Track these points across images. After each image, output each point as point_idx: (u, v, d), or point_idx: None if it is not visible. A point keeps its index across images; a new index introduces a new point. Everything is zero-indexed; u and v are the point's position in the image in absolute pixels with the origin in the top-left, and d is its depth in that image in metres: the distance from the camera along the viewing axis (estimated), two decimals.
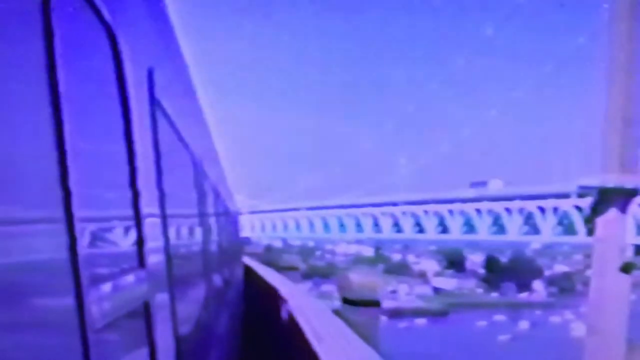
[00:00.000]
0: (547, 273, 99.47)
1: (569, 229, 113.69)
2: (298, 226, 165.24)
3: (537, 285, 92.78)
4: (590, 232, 39.82)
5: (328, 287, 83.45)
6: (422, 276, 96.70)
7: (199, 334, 4.74)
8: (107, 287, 1.90)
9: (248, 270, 17.18)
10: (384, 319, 60.87)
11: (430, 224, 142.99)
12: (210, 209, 7.01)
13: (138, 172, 2.41)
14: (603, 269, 36.89)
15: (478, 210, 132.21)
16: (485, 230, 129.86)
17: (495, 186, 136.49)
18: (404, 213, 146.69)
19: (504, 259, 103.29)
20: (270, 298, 11.75)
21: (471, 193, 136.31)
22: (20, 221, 1.34)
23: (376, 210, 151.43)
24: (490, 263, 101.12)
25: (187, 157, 4.76)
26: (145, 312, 2.48)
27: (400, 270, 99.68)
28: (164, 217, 2.99)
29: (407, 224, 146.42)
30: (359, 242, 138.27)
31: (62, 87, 1.50)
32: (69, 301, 1.52)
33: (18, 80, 1.36)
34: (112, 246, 2.29)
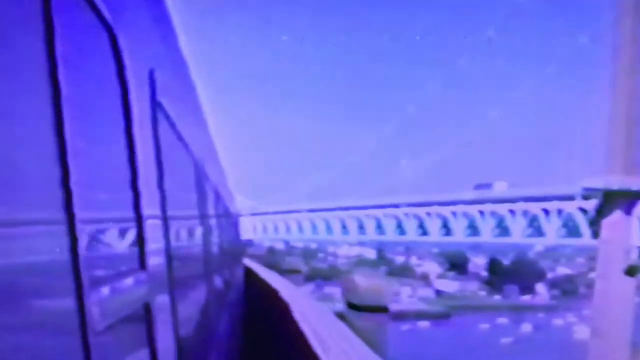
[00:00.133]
0: (550, 276, 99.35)
1: (574, 232, 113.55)
2: (300, 228, 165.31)
3: (540, 288, 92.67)
4: (596, 234, 39.76)
5: (331, 290, 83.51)
6: (425, 279, 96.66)
7: (199, 336, 4.74)
8: (108, 289, 1.90)
9: (250, 273, 17.13)
10: (390, 324, 61.06)
11: (434, 227, 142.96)
12: (211, 210, 7.01)
13: (139, 173, 2.41)
14: (608, 271, 36.84)
15: (482, 213, 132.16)
16: (489, 232, 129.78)
17: (501, 188, 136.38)
18: (407, 215, 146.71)
19: (506, 262, 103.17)
20: (273, 301, 11.72)
21: (475, 195, 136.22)
22: (22, 223, 1.34)
23: (379, 213, 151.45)
24: (493, 266, 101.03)
25: (188, 159, 4.76)
26: (146, 314, 2.48)
27: (402, 272, 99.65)
28: (165, 219, 2.99)
29: (411, 227, 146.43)
30: (361, 244, 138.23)
31: (63, 89, 1.50)
32: (70, 303, 1.52)
33: (20, 81, 1.36)
34: (113, 248, 2.29)
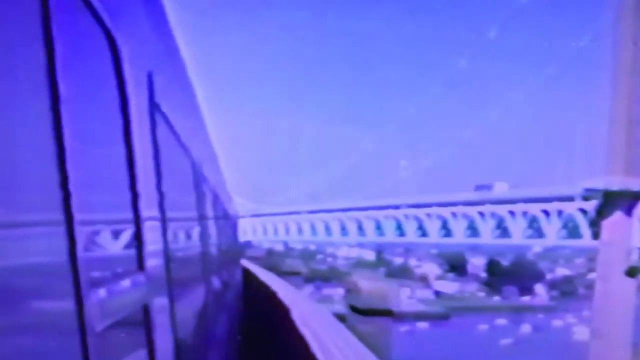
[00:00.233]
0: (548, 276, 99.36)
1: (574, 232, 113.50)
2: (300, 230, 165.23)
3: (539, 288, 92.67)
4: (596, 235, 39.68)
5: (329, 291, 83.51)
6: (424, 280, 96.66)
7: (197, 337, 4.74)
8: (106, 290, 1.91)
9: (249, 276, 17.08)
10: (394, 327, 60.81)
11: (433, 227, 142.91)
12: (209, 212, 7.02)
13: (137, 175, 2.42)
14: (608, 272, 36.74)
15: (481, 214, 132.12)
16: (489, 233, 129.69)
17: (501, 189, 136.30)
18: (406, 216, 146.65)
19: (505, 263, 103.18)
20: (271, 303, 11.69)
21: (474, 196, 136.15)
22: (20, 224, 1.34)
23: (378, 214, 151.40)
24: (492, 266, 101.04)
25: (186, 161, 4.77)
26: (145, 315, 2.49)
27: (401, 273, 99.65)
28: (163, 221, 3.00)
29: (410, 228, 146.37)
30: (360, 245, 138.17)
31: (62, 91, 1.50)
32: (69, 304, 1.53)
33: (19, 84, 1.37)
34: (112, 249, 2.30)
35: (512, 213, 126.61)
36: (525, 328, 70.91)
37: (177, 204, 3.89)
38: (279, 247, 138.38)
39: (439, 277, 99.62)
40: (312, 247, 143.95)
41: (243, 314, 14.71)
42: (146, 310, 2.50)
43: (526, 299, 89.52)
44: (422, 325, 73.88)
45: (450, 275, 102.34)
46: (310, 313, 9.81)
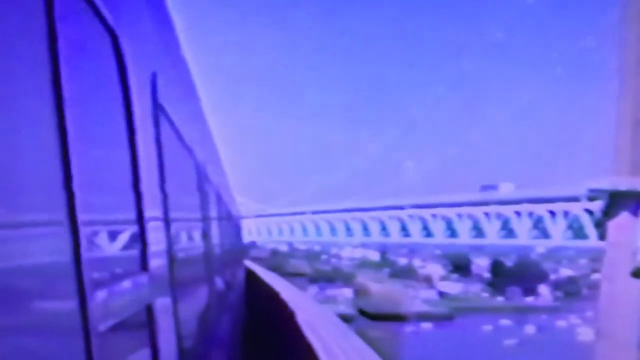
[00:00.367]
0: (552, 277, 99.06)
1: (579, 233, 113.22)
2: (304, 230, 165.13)
3: (543, 289, 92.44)
4: (602, 235, 39.53)
5: (334, 292, 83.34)
6: (428, 280, 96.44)
7: (201, 338, 4.75)
8: (110, 290, 1.92)
9: (253, 276, 17.03)
10: (401, 331, 60.48)
11: (438, 228, 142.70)
12: (212, 213, 7.02)
13: (141, 176, 2.43)
14: (614, 273, 36.57)
15: (487, 214, 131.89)
16: (494, 234, 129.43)
17: (506, 190, 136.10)
18: (411, 217, 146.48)
19: (509, 263, 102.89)
20: (275, 304, 11.65)
21: (480, 196, 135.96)
22: (24, 224, 1.34)
23: (383, 214, 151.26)
24: (496, 267, 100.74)
25: (189, 161, 4.78)
26: (148, 315, 2.50)
27: (405, 274, 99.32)
28: (166, 221, 3.01)
29: (415, 228, 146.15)
30: (364, 246, 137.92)
31: (65, 92, 1.51)
32: (72, 304, 1.53)
33: (22, 84, 1.37)
34: (115, 249, 2.31)
35: (517, 214, 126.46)
36: (529, 329, 70.66)
37: (180, 204, 3.90)
38: (284, 248, 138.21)
39: (443, 278, 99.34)
40: (317, 247, 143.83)
41: (246, 315, 14.70)
42: (149, 311, 2.51)
43: (530, 299, 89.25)
44: (426, 325, 73.75)
45: (454, 275, 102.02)
46: (313, 314, 9.73)
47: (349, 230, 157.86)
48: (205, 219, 5.97)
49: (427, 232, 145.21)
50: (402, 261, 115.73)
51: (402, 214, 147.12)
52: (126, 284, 2.21)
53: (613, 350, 35.39)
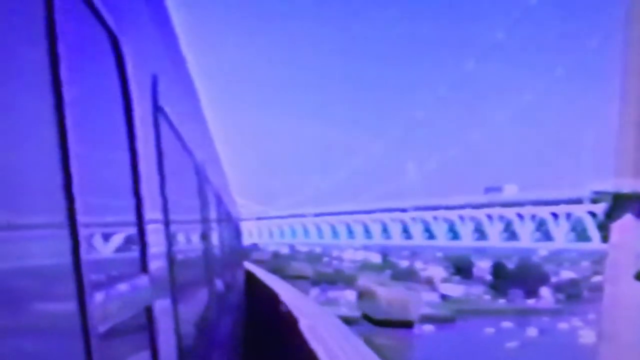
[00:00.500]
0: (554, 279, 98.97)
1: (582, 235, 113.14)
2: (306, 232, 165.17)
3: (545, 291, 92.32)
4: (605, 238, 39.45)
5: (335, 294, 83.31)
6: (430, 283, 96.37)
7: (201, 340, 4.75)
8: (109, 292, 1.92)
9: (255, 280, 16.98)
10: (408, 337, 59.62)
11: (440, 230, 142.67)
12: (212, 215, 7.03)
13: (141, 178, 2.43)
14: (617, 275, 36.48)
15: (489, 216, 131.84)
16: (497, 236, 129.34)
17: (511, 191, 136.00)
18: (413, 219, 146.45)
19: (511, 266, 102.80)
20: (276, 308, 11.61)
21: (482, 199, 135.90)
22: (24, 226, 1.34)
23: (385, 216, 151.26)
24: (498, 269, 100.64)
25: (190, 164, 4.79)
26: (148, 317, 2.50)
27: (407, 276, 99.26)
28: (166, 223, 3.01)
29: (417, 230, 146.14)
30: (366, 248, 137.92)
31: (66, 94, 1.51)
32: (72, 306, 1.53)
33: (22, 86, 1.37)
34: (115, 251, 2.31)
35: (520, 216, 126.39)
36: (531, 331, 70.54)
37: (180, 206, 3.91)
38: (285, 250, 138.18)
39: (445, 280, 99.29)
40: (318, 250, 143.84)
41: (247, 318, 14.68)
42: (149, 312, 2.51)
43: (532, 302, 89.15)
44: (428, 328, 73.63)
45: (456, 278, 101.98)
46: (315, 317, 9.66)
47: (350, 232, 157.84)
48: (205, 221, 5.98)
49: (429, 235, 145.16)
50: (404, 263, 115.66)
51: (404, 216, 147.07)
52: (126, 285, 2.21)
53: (616, 353, 35.30)
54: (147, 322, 2.49)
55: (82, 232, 1.57)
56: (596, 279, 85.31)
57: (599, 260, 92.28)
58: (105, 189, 2.14)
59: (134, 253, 2.45)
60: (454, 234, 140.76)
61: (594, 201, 46.51)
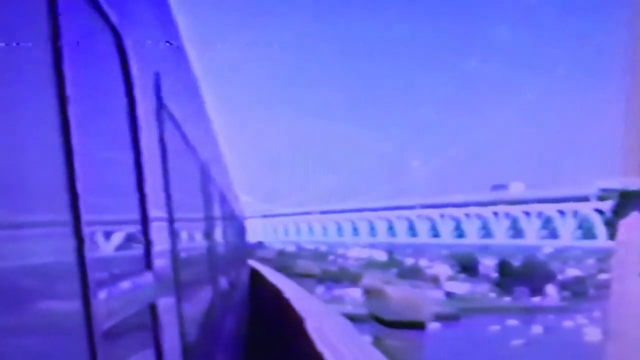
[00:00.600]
0: (559, 277, 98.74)
1: (588, 233, 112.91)
2: (311, 230, 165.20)
3: (550, 289, 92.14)
4: (612, 235, 39.33)
5: (340, 292, 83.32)
6: (435, 280, 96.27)
7: (204, 337, 4.76)
8: (113, 289, 1.93)
9: (259, 278, 16.93)
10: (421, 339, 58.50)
11: (446, 228, 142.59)
12: (216, 212, 7.04)
13: (145, 175, 2.44)
14: (624, 272, 36.40)
15: (495, 214, 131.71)
16: (503, 234, 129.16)
17: (517, 189, 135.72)
18: (419, 217, 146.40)
19: (516, 263, 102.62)
20: (280, 306, 11.57)
21: (488, 196, 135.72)
22: (28, 225, 1.35)
23: (390, 214, 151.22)
24: (503, 267, 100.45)
25: (193, 161, 4.80)
26: (152, 314, 2.50)
27: (412, 274, 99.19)
28: (170, 220, 3.02)
29: (422, 228, 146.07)
30: (372, 246, 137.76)
31: (69, 91, 1.52)
32: (76, 303, 1.54)
33: (26, 84, 1.38)
34: (119, 249, 2.32)
35: (526, 213, 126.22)
36: (537, 329, 70.41)
37: (184, 204, 3.91)
38: (290, 248, 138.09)
39: (450, 278, 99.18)
40: (323, 247, 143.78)
41: (251, 315, 14.67)
42: (153, 310, 2.52)
43: (537, 299, 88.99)
44: (434, 325, 73.53)
45: (462, 276, 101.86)
46: (320, 315, 9.60)
47: (355, 230, 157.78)
48: (209, 219, 5.99)
49: (435, 232, 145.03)
50: (409, 261, 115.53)
51: (410, 213, 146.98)
52: (130, 283, 2.22)
53: (623, 350, 35.20)
54: (151, 319, 2.50)
55: (86, 230, 1.58)
56: (602, 276, 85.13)
57: (604, 258, 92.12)
58: (109, 186, 2.14)
59: (138, 250, 2.45)
60: (460, 232, 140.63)
61: (601, 199, 46.31)
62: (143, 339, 2.50)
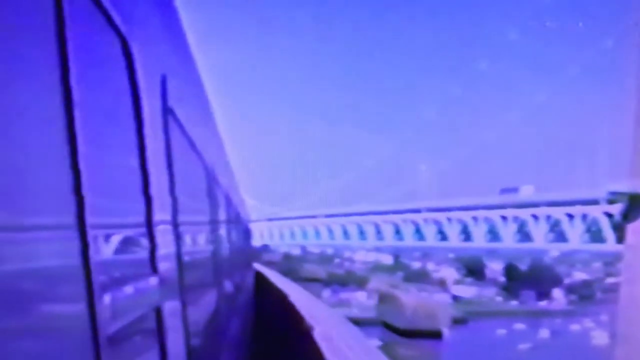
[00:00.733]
0: (566, 281, 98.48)
1: (597, 236, 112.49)
2: (317, 233, 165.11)
3: (557, 293, 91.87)
4: (620, 238, 39.17)
5: (347, 295, 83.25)
6: (442, 284, 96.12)
7: (209, 340, 4.76)
8: (119, 292, 1.93)
9: (265, 281, 16.88)
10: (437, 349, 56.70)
11: (453, 232, 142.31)
12: (221, 216, 7.04)
13: (150, 179, 2.44)
14: (633, 276, 36.19)
15: (504, 217, 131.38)
16: (510, 237, 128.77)
17: (527, 192, 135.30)
18: (426, 220, 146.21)
19: (523, 267, 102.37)
20: (286, 310, 11.53)
21: (496, 200, 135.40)
22: (34, 227, 1.35)
23: (397, 218, 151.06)
24: (510, 271, 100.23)
25: (199, 165, 4.80)
26: (157, 318, 2.50)
27: (419, 278, 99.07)
28: (175, 224, 3.02)
29: (429, 232, 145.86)
30: (378, 249, 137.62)
31: (75, 95, 1.52)
32: (81, 307, 1.54)
33: (33, 87, 1.38)
34: (124, 252, 2.31)
35: (535, 217, 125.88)
36: (544, 333, 70.18)
37: (189, 207, 3.91)
38: (296, 251, 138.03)
39: (457, 282, 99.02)
40: (330, 251, 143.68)
41: (256, 319, 14.64)
42: (158, 313, 2.52)
43: (544, 303, 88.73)
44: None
45: (468, 279, 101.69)
46: (328, 322, 9.51)
47: (362, 233, 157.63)
48: (214, 222, 5.99)
49: (442, 236, 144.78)
50: (416, 265, 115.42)
51: (417, 217, 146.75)
52: (135, 286, 2.22)
53: (632, 354, 34.98)
54: (156, 323, 2.50)
55: (91, 233, 1.58)
56: (609, 280, 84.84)
57: (611, 261, 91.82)
58: (114, 190, 2.15)
59: (144, 254, 2.45)
60: (467, 235, 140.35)
61: (610, 202, 46.14)
62: (148, 343, 2.50)
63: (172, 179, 2.98)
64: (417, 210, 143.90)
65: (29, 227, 1.32)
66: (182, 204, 3.23)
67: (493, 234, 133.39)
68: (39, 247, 1.37)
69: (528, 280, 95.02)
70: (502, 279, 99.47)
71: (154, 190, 2.47)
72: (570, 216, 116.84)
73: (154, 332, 2.49)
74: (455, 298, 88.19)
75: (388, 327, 57.39)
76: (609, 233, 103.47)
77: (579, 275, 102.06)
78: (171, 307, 2.78)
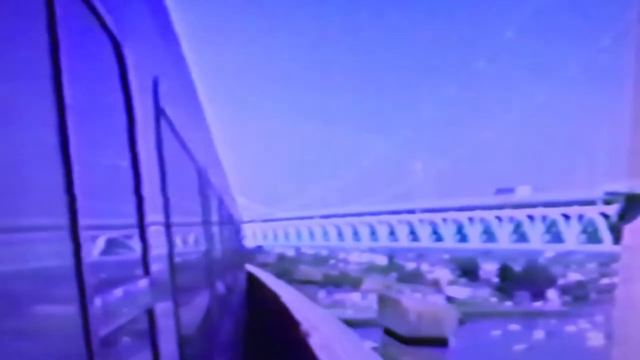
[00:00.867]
0: (561, 282, 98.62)
1: (593, 237, 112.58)
2: (311, 234, 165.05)
3: (552, 294, 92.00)
4: (617, 239, 39.21)
5: (341, 296, 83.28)
6: (436, 285, 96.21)
7: (202, 342, 4.75)
8: (111, 294, 1.92)
9: (258, 283, 16.83)
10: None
11: (448, 232, 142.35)
12: (213, 217, 7.04)
13: (142, 180, 2.44)
14: (630, 276, 36.22)
15: (499, 218, 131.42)
16: (506, 238, 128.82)
17: (523, 193, 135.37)
18: (421, 221, 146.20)
19: (517, 268, 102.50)
20: (278, 311, 11.50)
21: (492, 200, 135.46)
22: (25, 228, 1.35)
23: (392, 218, 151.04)
24: (504, 272, 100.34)
25: (191, 166, 4.80)
26: (149, 319, 2.50)
27: (413, 278, 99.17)
28: (168, 225, 3.02)
29: (424, 232, 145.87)
30: (372, 250, 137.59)
31: (67, 96, 1.52)
32: (73, 308, 1.54)
33: (24, 89, 1.38)
34: (117, 254, 2.31)
35: (530, 217, 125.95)
36: (538, 334, 70.23)
37: (181, 208, 3.91)
38: (291, 252, 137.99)
39: (451, 282, 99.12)
40: (324, 252, 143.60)
41: (249, 321, 14.61)
42: (150, 315, 2.51)
43: (539, 304, 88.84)
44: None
45: (463, 280, 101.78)
46: (322, 323, 9.46)
47: (356, 234, 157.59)
48: (206, 223, 5.99)
49: (437, 237, 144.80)
50: (410, 265, 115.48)
51: (412, 217, 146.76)
52: (127, 288, 2.22)
53: (628, 355, 35.02)
54: (149, 324, 2.50)
55: (84, 235, 1.58)
56: (603, 281, 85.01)
57: (606, 262, 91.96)
58: (106, 191, 2.14)
59: (136, 255, 2.45)
60: (462, 236, 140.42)
61: (607, 202, 46.26)
62: (141, 344, 2.50)
63: (164, 179, 2.98)
64: (412, 211, 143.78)
65: (20, 228, 1.32)
66: (174, 205, 3.23)
67: (489, 235, 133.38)
68: (31, 248, 1.37)
69: (522, 281, 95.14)
70: (497, 280, 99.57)
71: (146, 191, 2.47)
72: (567, 217, 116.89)
73: (147, 333, 2.49)
74: (449, 299, 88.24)
75: (390, 334, 54.70)
76: (605, 234, 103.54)
77: (574, 276, 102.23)
78: (163, 308, 2.78)
